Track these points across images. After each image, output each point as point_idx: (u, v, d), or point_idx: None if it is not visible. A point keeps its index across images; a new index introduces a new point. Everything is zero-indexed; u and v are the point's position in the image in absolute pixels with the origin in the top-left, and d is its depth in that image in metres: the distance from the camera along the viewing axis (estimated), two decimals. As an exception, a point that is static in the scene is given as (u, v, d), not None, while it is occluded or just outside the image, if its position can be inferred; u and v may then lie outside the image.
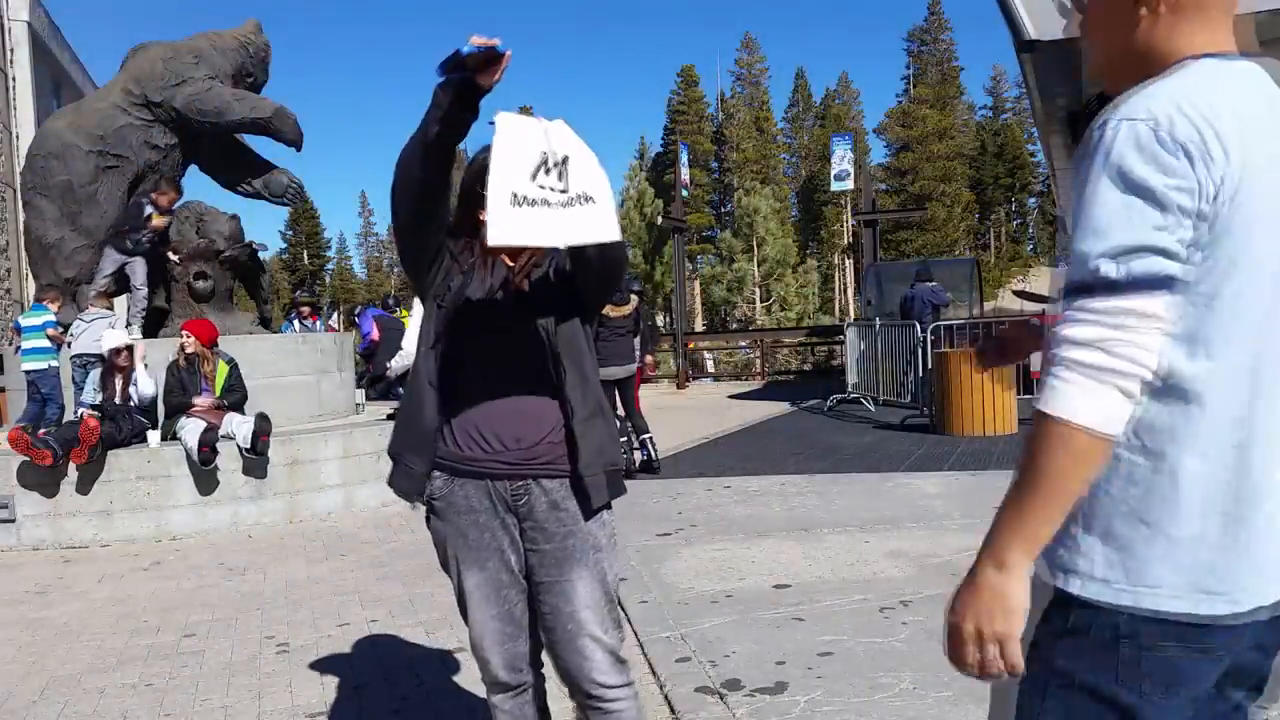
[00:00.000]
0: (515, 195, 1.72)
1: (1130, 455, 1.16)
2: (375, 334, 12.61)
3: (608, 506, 2.09)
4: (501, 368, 2.03)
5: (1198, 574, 1.14)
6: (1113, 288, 1.09)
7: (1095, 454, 1.11)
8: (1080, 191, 1.13)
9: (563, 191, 1.78)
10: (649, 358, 9.35)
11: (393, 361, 10.80)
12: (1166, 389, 1.14)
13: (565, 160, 1.79)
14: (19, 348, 9.09)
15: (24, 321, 9.16)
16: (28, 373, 8.78)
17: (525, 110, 2.04)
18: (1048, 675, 1.20)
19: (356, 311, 15.16)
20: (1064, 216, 1.24)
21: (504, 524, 2.05)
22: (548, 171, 1.77)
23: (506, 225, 1.71)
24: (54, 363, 8.62)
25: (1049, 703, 1.20)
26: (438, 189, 1.97)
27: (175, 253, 8.25)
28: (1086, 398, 1.09)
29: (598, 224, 1.81)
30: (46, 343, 8.79)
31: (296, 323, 13.56)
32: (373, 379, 12.06)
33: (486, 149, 1.96)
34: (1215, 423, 1.14)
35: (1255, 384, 1.15)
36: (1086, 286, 1.11)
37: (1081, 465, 1.11)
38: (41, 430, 7.40)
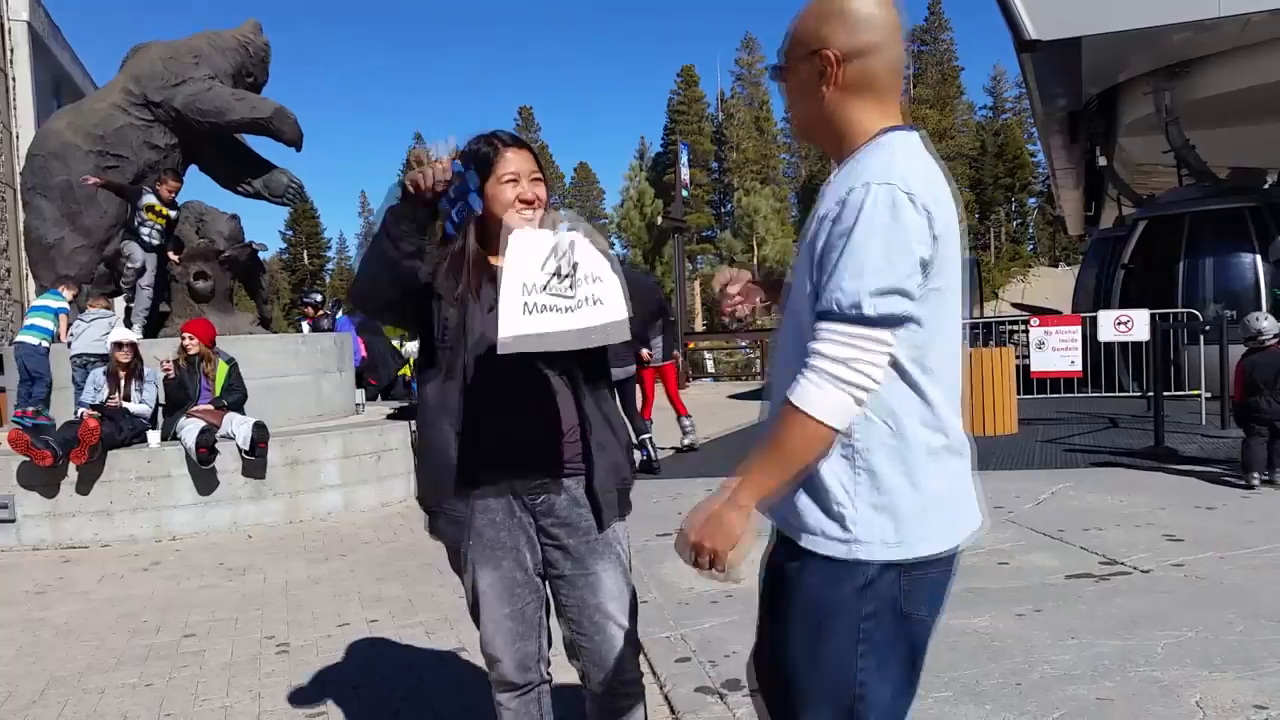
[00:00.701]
0: (527, 304, 1.79)
1: (893, 441, 1.48)
2: (364, 351, 12.40)
3: (620, 518, 2.14)
4: (515, 387, 2.03)
5: (945, 519, 1.52)
6: (863, 320, 1.40)
7: (822, 440, 1.44)
8: (844, 239, 1.41)
9: (569, 296, 1.83)
10: (675, 354, 9.39)
11: (410, 344, 10.69)
12: (904, 387, 1.48)
13: (575, 267, 1.84)
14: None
15: (36, 301, 9.15)
16: (17, 345, 8.71)
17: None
18: (857, 625, 1.50)
19: (323, 310, 14.33)
20: (813, 254, 1.49)
21: (520, 524, 2.08)
22: (560, 279, 1.83)
23: (518, 332, 1.77)
24: (45, 342, 8.59)
25: (863, 645, 1.50)
26: (412, 280, 2.02)
27: (177, 252, 8.25)
28: (825, 398, 1.40)
29: (608, 327, 1.84)
30: (48, 323, 8.75)
31: (305, 325, 13.39)
32: (384, 390, 11.91)
33: (476, 139, 2.05)
34: (935, 405, 1.50)
35: (954, 374, 1.55)
36: (843, 315, 1.40)
37: (810, 446, 1.44)
38: (29, 409, 7.41)
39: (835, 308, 1.40)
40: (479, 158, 2.04)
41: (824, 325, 1.42)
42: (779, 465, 1.44)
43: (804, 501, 1.52)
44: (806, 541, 1.52)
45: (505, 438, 2.03)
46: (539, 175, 2.10)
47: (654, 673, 3.45)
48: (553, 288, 1.81)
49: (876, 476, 1.48)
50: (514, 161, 2.05)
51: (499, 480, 2.06)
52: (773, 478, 1.45)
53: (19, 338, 8.84)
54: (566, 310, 1.81)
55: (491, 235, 2.08)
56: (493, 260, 2.10)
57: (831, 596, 1.50)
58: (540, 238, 1.85)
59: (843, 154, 1.56)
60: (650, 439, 8.28)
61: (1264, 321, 6.75)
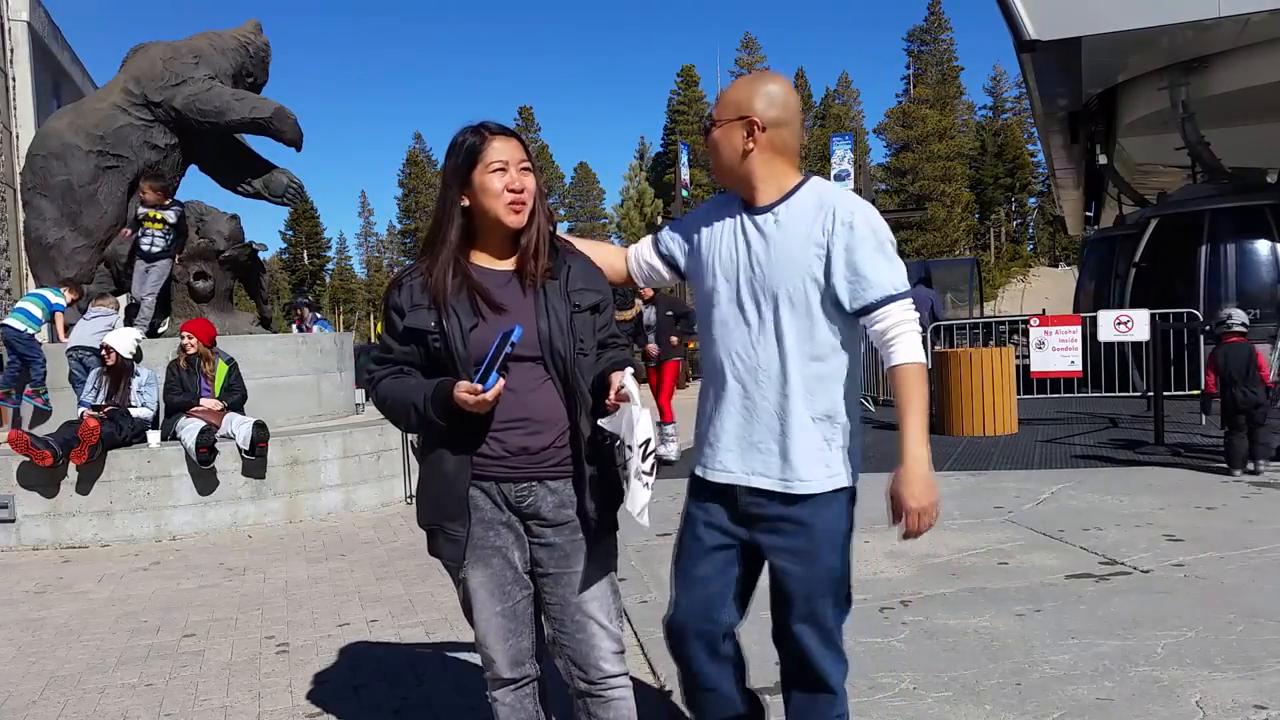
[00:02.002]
0: (644, 476, 1.97)
1: (850, 400, 2.16)
2: None
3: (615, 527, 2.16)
4: (509, 391, 2.01)
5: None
6: (910, 297, 2.05)
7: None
8: (879, 250, 2.03)
9: (649, 474, 2.00)
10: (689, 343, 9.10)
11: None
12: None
13: (647, 444, 1.99)
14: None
15: (34, 289, 9.03)
16: (5, 327, 8.57)
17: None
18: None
19: (303, 314, 14.15)
20: (825, 258, 2.05)
21: (508, 523, 2.09)
22: (646, 455, 1.99)
23: (642, 505, 1.97)
24: (32, 329, 8.47)
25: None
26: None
27: (178, 252, 8.23)
28: (922, 350, 2.03)
29: (638, 502, 2.02)
30: (38, 311, 8.63)
31: (294, 327, 13.35)
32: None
33: (464, 130, 2.04)
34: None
35: None
36: (902, 296, 2.03)
37: (927, 386, 2.05)
38: (25, 390, 7.33)
39: (894, 291, 2.02)
40: (466, 149, 2.03)
41: (895, 304, 2.02)
42: (926, 410, 2.00)
43: (805, 457, 2.08)
44: (816, 485, 2.08)
45: (498, 441, 2.04)
46: (528, 165, 2.06)
47: (654, 672, 3.45)
48: (649, 461, 1.99)
49: (848, 427, 2.13)
50: (501, 150, 2.02)
51: (489, 481, 2.06)
52: (925, 421, 2.00)
53: (6, 320, 8.70)
54: (646, 485, 2.00)
55: (478, 227, 2.08)
56: (478, 259, 2.10)
57: (851, 511, 2.18)
58: (648, 418, 2.00)
59: (756, 193, 2.12)
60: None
61: (1235, 311, 6.98)
